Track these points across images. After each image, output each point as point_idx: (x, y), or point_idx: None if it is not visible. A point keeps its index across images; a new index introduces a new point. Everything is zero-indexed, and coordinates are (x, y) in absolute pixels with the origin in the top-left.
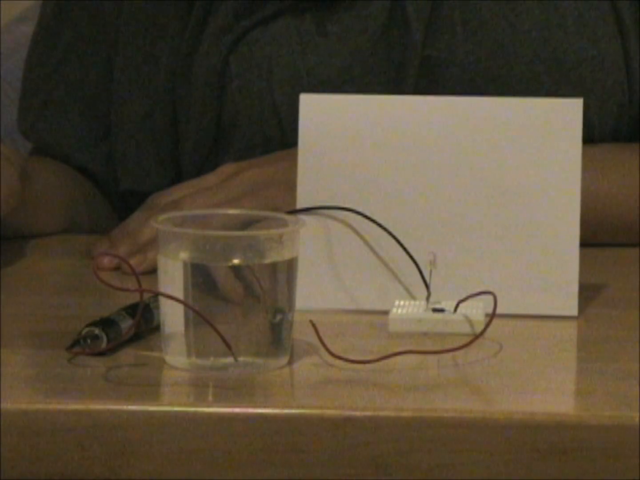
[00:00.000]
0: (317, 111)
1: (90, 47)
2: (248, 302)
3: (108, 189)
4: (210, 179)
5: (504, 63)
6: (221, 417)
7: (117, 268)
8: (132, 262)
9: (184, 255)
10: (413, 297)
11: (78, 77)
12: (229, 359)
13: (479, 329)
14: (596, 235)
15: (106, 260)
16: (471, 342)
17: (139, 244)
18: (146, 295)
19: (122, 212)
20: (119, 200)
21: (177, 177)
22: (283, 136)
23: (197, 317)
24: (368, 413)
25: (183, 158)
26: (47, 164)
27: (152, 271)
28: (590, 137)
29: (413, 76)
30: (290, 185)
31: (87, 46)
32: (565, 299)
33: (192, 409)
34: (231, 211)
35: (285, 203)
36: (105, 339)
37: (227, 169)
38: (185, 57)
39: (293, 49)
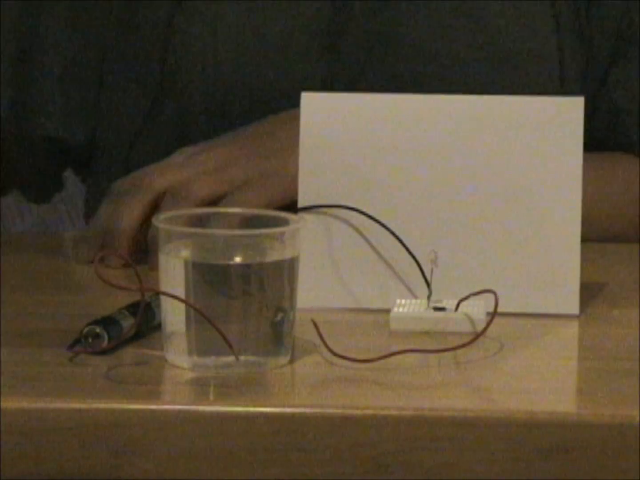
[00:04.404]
0: (318, 109)
1: None
2: (249, 300)
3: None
4: (171, 161)
5: (446, 44)
6: (222, 416)
7: (125, 266)
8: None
9: (185, 253)
10: (414, 295)
11: None
12: (230, 358)
13: (480, 327)
14: None
15: (111, 261)
16: (472, 340)
17: (121, 240)
18: (147, 294)
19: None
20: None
21: (98, 126)
22: (225, 93)
23: (198, 316)
24: (369, 412)
25: (123, 105)
26: None
27: (154, 269)
28: None
29: (352, 46)
30: (260, 159)
31: None
32: (566, 298)
33: (193, 408)
34: (233, 210)
35: (262, 171)
36: (106, 337)
37: (187, 150)
38: (128, 5)
39: (239, 7)
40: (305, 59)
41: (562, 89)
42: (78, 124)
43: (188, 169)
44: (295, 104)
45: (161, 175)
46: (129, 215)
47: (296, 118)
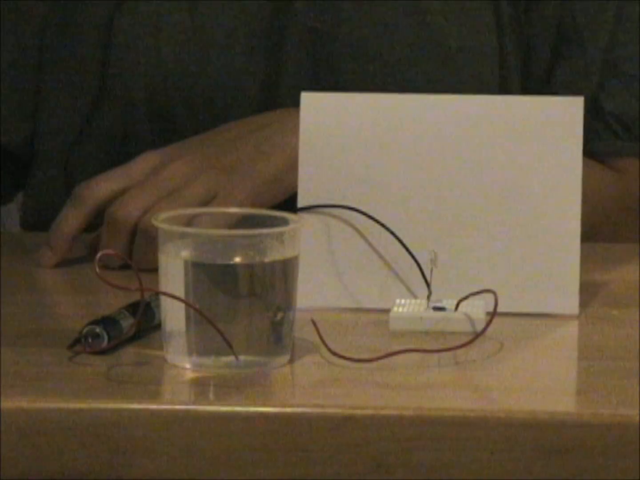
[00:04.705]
0: (317, 109)
1: None
2: (249, 300)
3: None
4: (135, 169)
5: (387, 43)
6: (222, 416)
7: (123, 267)
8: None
9: (185, 253)
10: (414, 295)
11: None
12: (230, 358)
13: (479, 327)
14: None
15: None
16: (472, 340)
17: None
18: (147, 294)
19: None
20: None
21: (37, 130)
22: (167, 94)
23: (198, 316)
24: (369, 412)
25: (62, 108)
26: None
27: (154, 270)
28: None
29: (294, 45)
30: (222, 169)
31: None
32: (566, 298)
33: (193, 408)
34: (232, 210)
35: (224, 187)
36: (106, 337)
37: (150, 157)
38: (66, 6)
39: (180, 7)
40: (248, 58)
41: (502, 87)
42: (14, 128)
43: (152, 190)
44: (238, 102)
45: (136, 197)
46: (117, 245)
47: (263, 126)
